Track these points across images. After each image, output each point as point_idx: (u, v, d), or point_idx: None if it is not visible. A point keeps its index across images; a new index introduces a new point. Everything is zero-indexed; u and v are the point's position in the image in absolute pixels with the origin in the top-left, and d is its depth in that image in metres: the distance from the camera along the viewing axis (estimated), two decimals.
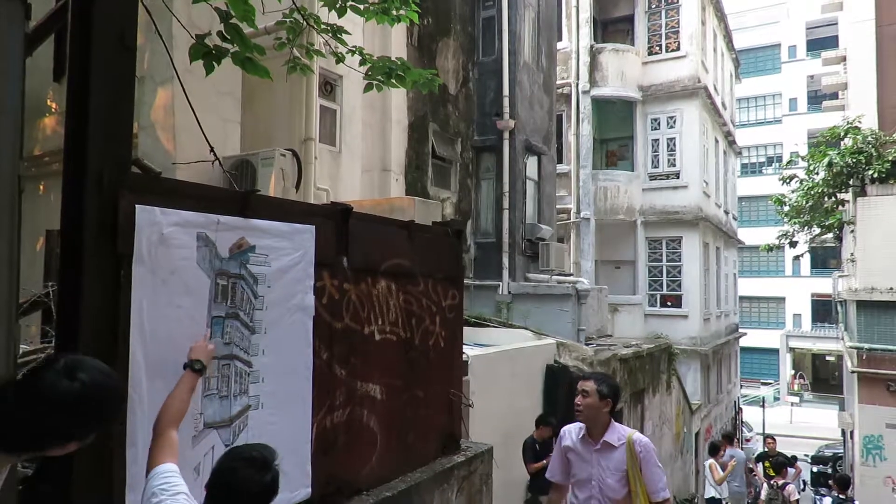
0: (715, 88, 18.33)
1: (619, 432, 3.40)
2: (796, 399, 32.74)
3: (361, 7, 4.44)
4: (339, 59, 4.68)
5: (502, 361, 6.35)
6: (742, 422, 22.89)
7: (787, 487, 9.27)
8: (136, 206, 2.38)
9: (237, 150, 6.07)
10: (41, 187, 6.54)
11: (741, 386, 25.48)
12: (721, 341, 18.25)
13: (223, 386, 2.76)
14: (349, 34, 4.59)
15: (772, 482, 9.51)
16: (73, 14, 2.33)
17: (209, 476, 1.89)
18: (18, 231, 2.14)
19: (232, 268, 2.78)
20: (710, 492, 9.85)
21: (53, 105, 6.91)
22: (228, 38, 3.39)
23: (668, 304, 16.07)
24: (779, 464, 10.05)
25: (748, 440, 21.98)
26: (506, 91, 10.86)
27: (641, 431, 9.61)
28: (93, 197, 2.26)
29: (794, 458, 17.14)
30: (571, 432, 3.54)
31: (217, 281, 2.71)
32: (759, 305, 36.36)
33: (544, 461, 6.19)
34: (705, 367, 16.51)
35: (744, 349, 25.64)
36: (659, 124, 16.50)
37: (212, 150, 3.49)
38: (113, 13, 2.35)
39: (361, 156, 8.10)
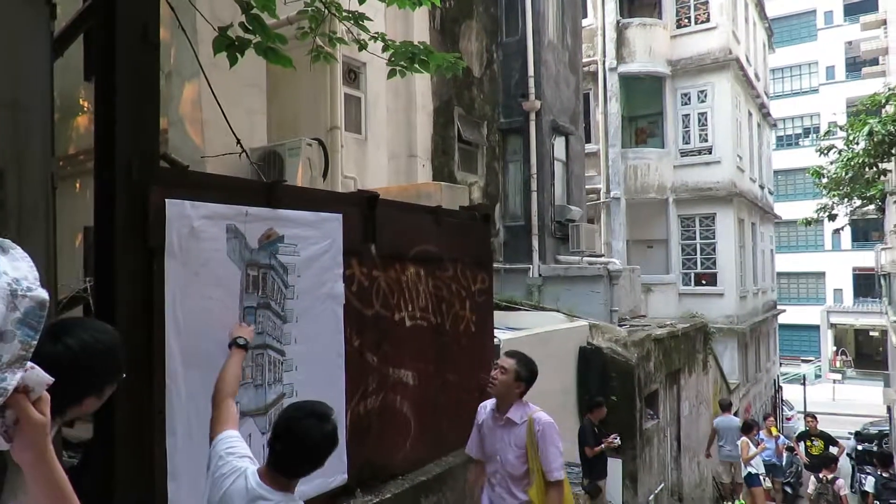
0: (747, 59, 17.77)
1: (524, 410, 3.40)
2: (839, 376, 31.94)
3: None
4: (362, 46, 4.65)
5: (534, 344, 6.30)
6: (782, 400, 22.46)
7: (836, 482, 9.03)
8: (166, 199, 2.41)
9: (264, 142, 6.11)
10: (77, 185, 6.70)
11: (781, 364, 24.96)
12: (758, 319, 17.86)
13: (257, 375, 2.80)
14: (371, 20, 4.55)
15: (820, 476, 9.27)
16: (98, 12, 2.36)
17: (271, 430, 1.97)
18: (54, 228, 2.18)
19: (262, 258, 2.80)
20: (746, 469, 9.74)
21: (86, 104, 7.04)
22: (250, 28, 3.40)
23: (703, 282, 15.77)
24: (827, 458, 9.78)
25: (789, 419, 21.52)
26: (531, 71, 10.69)
27: (678, 412, 9.57)
28: (123, 192, 2.30)
29: (854, 435, 16.57)
30: (486, 407, 3.52)
31: (247, 272, 2.74)
32: (797, 281, 35.47)
33: (603, 444, 6.22)
34: (743, 345, 16.20)
35: (783, 326, 25.08)
36: (689, 99, 16.08)
37: (238, 142, 3.52)
38: (136, 10, 2.37)
39: (387, 142, 8.09)
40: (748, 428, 10.16)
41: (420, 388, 3.80)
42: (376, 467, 3.46)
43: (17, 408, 1.08)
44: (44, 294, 1.07)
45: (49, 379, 1.12)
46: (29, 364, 1.09)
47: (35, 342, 1.06)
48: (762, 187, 19.97)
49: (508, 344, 5.58)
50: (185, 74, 5.63)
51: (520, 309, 8.46)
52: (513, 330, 6.77)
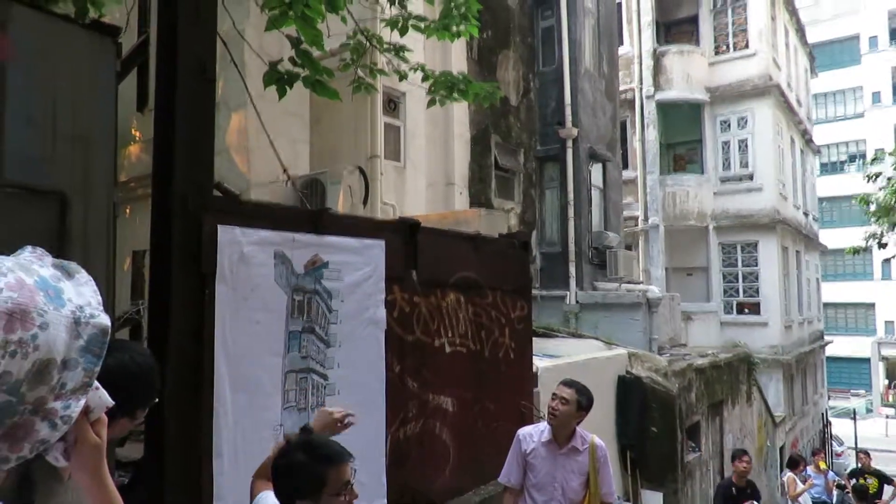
0: (788, 85, 17.52)
1: (583, 437, 3.44)
2: (892, 411, 30.49)
3: (422, 25, 4.53)
4: (402, 76, 4.77)
5: (573, 372, 6.20)
6: (832, 435, 21.51)
7: None
8: (219, 226, 2.50)
9: (307, 170, 6.27)
10: (127, 211, 6.96)
11: (829, 397, 23.99)
12: (805, 350, 17.27)
13: (301, 399, 2.85)
14: (411, 51, 4.67)
15: None
16: (158, 50, 2.49)
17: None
18: (114, 253, 2.29)
19: (307, 283, 2.87)
20: None
21: (137, 134, 7.34)
22: (299, 62, 3.53)
23: (746, 311, 15.37)
24: (861, 490, 9.28)
25: (839, 455, 20.60)
26: (567, 100, 10.75)
27: (721, 445, 9.27)
28: (179, 220, 2.40)
29: None
30: (532, 435, 3.45)
31: (293, 297, 2.81)
32: (845, 312, 34.21)
33: None
34: (788, 377, 15.66)
35: (830, 358, 24.15)
36: (729, 126, 15.89)
37: (285, 170, 3.63)
38: (195, 48, 2.50)
39: (426, 170, 8.20)
40: (794, 463, 9.74)
41: (459, 414, 3.79)
42: (415, 493, 3.45)
43: (76, 428, 1.07)
44: (106, 321, 1.07)
45: (110, 402, 1.13)
46: (94, 384, 1.10)
47: (98, 369, 1.06)
48: (806, 214, 19.48)
49: (546, 372, 5.53)
50: (231, 105, 5.85)
51: (557, 336, 8.38)
52: (551, 357, 6.71)
